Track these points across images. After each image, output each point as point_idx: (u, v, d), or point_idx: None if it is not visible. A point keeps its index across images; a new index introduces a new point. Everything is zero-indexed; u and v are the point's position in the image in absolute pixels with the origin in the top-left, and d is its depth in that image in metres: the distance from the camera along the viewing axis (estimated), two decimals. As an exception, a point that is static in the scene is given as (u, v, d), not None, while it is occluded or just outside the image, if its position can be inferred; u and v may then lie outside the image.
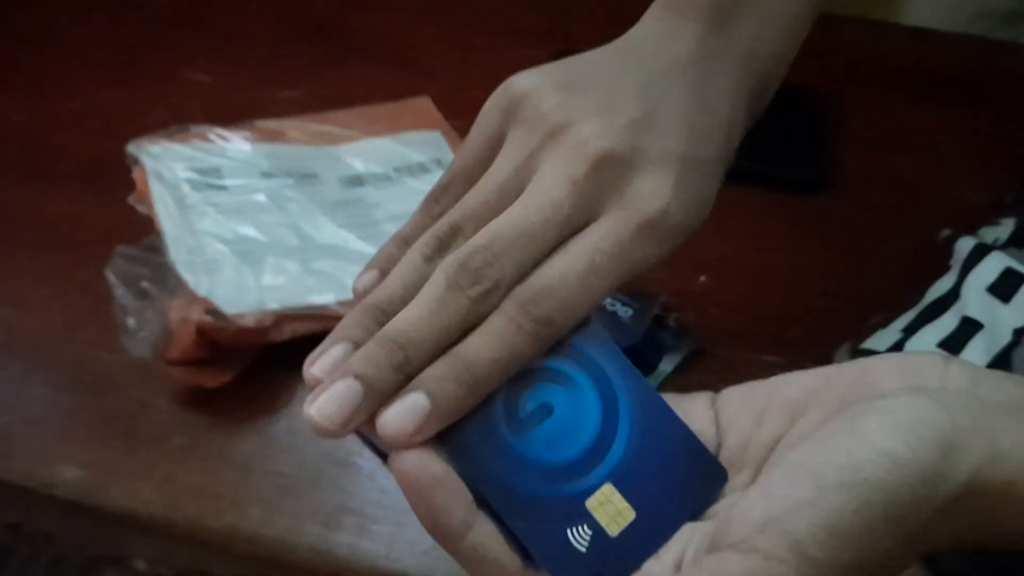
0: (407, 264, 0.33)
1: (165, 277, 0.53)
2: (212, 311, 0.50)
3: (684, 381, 0.54)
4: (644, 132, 0.34)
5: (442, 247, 0.33)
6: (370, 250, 0.58)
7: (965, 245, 0.50)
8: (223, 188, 0.60)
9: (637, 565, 0.29)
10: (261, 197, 0.60)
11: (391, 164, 0.65)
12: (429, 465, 0.28)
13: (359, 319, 0.31)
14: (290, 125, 0.66)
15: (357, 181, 0.63)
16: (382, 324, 0.31)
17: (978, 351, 0.45)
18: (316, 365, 0.30)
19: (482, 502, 0.29)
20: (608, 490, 0.30)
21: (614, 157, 0.33)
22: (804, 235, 0.65)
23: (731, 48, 0.38)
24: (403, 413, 0.28)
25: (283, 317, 0.52)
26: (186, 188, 0.59)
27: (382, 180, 0.64)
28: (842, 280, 0.61)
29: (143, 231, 0.56)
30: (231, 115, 0.66)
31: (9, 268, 0.59)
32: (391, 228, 0.60)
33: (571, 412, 0.31)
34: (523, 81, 0.36)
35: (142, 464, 0.49)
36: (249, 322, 0.51)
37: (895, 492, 0.25)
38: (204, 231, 0.56)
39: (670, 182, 0.34)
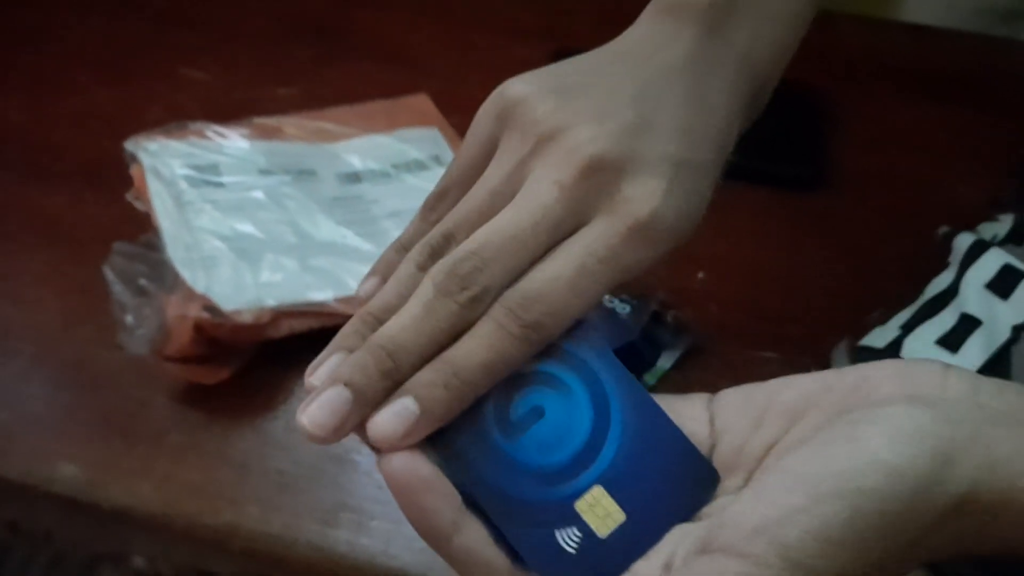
0: (402, 272, 0.33)
1: (163, 274, 0.53)
2: (210, 308, 0.50)
3: (682, 378, 0.54)
4: (637, 136, 0.34)
5: (435, 255, 0.33)
6: (368, 247, 0.58)
7: (963, 242, 0.50)
8: (221, 185, 0.60)
9: (626, 566, 0.29)
10: (259, 194, 0.60)
11: (389, 161, 0.65)
12: (417, 467, 0.29)
13: (357, 327, 0.32)
14: (288, 122, 0.66)
15: (355, 178, 0.63)
16: None
17: (977, 348, 0.45)
18: (315, 375, 0.31)
19: (472, 504, 0.29)
20: (598, 492, 0.30)
21: (605, 162, 0.33)
22: (802, 232, 0.65)
23: (728, 50, 0.38)
24: (392, 418, 0.29)
25: (281, 314, 0.52)
26: (184, 185, 0.59)
27: (380, 177, 0.64)
28: (840, 277, 0.61)
29: (141, 228, 0.56)
30: (229, 113, 0.66)
31: (8, 266, 0.59)
32: (389, 225, 0.60)
33: (562, 415, 0.31)
34: (516, 86, 0.36)
35: (140, 462, 0.49)
36: (247, 319, 0.51)
37: (889, 502, 0.25)
38: (202, 228, 0.56)
39: (662, 186, 0.34)
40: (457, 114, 0.69)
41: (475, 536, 0.29)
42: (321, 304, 0.53)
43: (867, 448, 0.26)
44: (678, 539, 0.30)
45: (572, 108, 0.35)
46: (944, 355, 0.46)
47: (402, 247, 0.36)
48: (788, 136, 0.70)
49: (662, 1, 0.39)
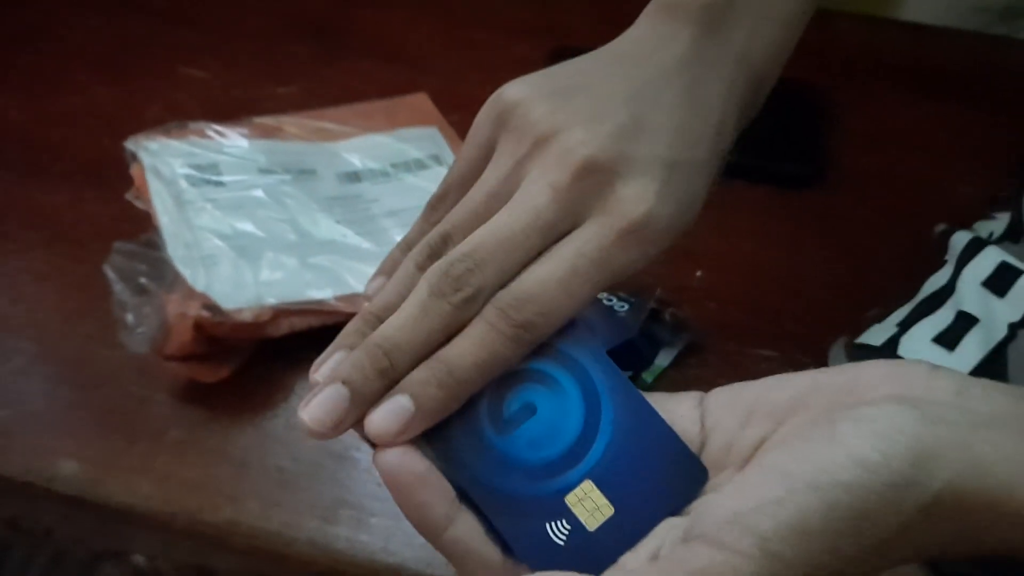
0: (401, 272, 0.34)
1: (163, 273, 0.53)
2: (210, 306, 0.50)
3: (680, 376, 0.54)
4: (630, 138, 0.35)
5: (433, 255, 0.34)
6: (367, 245, 0.58)
7: (960, 240, 0.50)
8: (221, 184, 0.60)
9: (614, 559, 0.30)
10: (259, 193, 0.60)
11: (388, 160, 0.65)
12: (411, 462, 0.30)
13: (359, 326, 0.33)
14: (287, 121, 0.67)
15: (354, 177, 0.64)
16: None
17: (973, 345, 0.45)
18: (319, 372, 0.32)
19: (465, 498, 0.30)
20: (588, 486, 0.31)
21: (598, 164, 0.34)
22: (800, 230, 0.65)
23: (724, 50, 0.38)
24: (388, 415, 0.30)
25: (281, 312, 0.53)
26: (184, 184, 0.59)
27: (379, 176, 0.64)
28: (838, 275, 0.61)
29: (141, 227, 0.56)
30: (228, 112, 0.66)
31: (8, 264, 0.60)
32: (388, 223, 0.60)
33: (554, 412, 0.32)
34: (514, 90, 0.37)
35: (141, 459, 0.49)
36: (247, 317, 0.51)
37: (864, 496, 0.25)
38: (202, 227, 0.56)
39: (654, 187, 0.34)
40: (457, 112, 0.69)
41: (468, 529, 0.30)
42: (321, 302, 0.54)
43: (844, 444, 0.26)
44: (666, 532, 0.30)
45: (568, 110, 0.35)
46: (941, 353, 0.46)
47: (407, 246, 0.37)
48: (787, 134, 0.70)
49: (660, 1, 0.39)
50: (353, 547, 0.46)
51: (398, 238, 0.59)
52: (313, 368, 0.32)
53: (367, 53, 0.78)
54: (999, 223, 0.51)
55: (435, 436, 0.31)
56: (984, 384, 0.29)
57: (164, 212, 0.57)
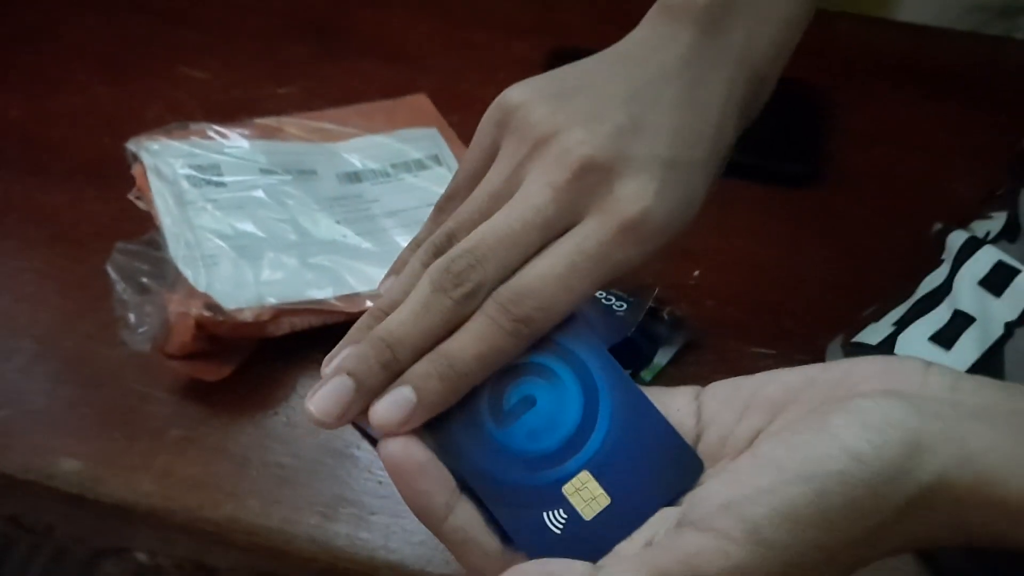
0: (408, 271, 0.35)
1: (164, 272, 0.53)
2: (211, 306, 0.51)
3: (679, 373, 0.54)
4: (629, 138, 0.35)
5: (438, 254, 0.35)
6: (367, 245, 0.58)
7: (957, 239, 0.50)
8: (222, 184, 0.60)
9: (610, 547, 0.31)
10: (259, 193, 0.60)
11: (388, 160, 0.65)
12: (413, 452, 0.31)
13: (367, 322, 0.34)
14: (288, 122, 0.67)
15: (355, 177, 0.64)
16: None
17: (970, 345, 0.46)
18: (330, 366, 0.33)
19: (466, 487, 0.31)
20: (585, 477, 0.32)
21: (596, 163, 0.34)
22: (798, 229, 0.65)
23: (725, 50, 0.39)
24: (391, 406, 0.31)
25: (281, 311, 0.53)
26: (185, 184, 0.59)
27: (379, 176, 0.64)
28: (836, 273, 0.62)
29: (142, 227, 0.56)
30: (229, 112, 0.67)
31: (9, 263, 0.60)
32: (388, 224, 0.61)
33: (553, 404, 0.33)
34: (516, 93, 0.38)
35: (141, 456, 0.50)
36: (247, 316, 0.52)
37: (854, 486, 0.26)
38: (203, 227, 0.57)
39: (652, 186, 0.35)
40: (456, 113, 0.69)
41: (467, 518, 0.31)
42: (321, 302, 0.54)
43: (835, 435, 0.27)
44: (661, 522, 0.31)
45: (567, 111, 0.36)
46: (938, 352, 0.46)
47: (416, 246, 0.38)
48: (786, 133, 0.70)
49: (662, 2, 0.39)
50: (353, 544, 0.46)
51: (398, 238, 0.60)
52: (324, 363, 0.33)
53: (367, 53, 0.78)
54: (996, 222, 0.51)
55: (437, 427, 0.32)
56: (976, 380, 0.29)
57: (166, 212, 0.57)
